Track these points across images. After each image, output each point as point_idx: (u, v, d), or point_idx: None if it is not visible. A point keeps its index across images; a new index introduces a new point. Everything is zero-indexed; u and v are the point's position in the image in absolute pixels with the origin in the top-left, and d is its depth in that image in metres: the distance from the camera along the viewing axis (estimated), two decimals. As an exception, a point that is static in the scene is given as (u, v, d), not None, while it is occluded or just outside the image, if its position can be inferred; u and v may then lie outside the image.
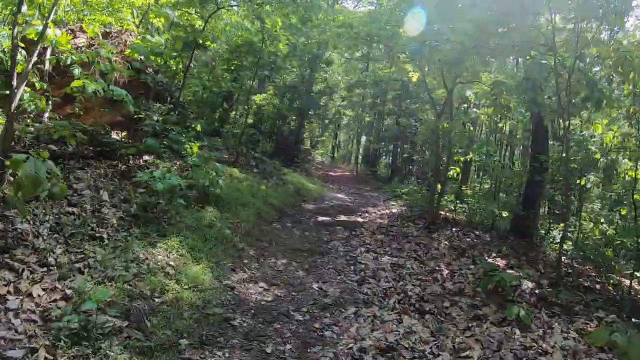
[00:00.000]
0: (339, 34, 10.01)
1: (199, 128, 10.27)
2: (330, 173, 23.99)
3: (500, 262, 7.59)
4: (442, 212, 10.59)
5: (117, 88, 5.07)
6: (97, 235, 4.67)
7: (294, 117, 19.21)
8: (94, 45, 8.98)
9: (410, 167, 24.27)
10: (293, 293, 5.29)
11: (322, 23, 11.24)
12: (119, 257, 4.45)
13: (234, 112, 19.77)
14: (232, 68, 12.58)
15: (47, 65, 6.41)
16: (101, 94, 5.27)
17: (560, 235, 12.78)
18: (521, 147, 19.23)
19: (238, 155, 11.88)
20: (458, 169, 15.19)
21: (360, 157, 29.84)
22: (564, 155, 8.03)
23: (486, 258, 7.49)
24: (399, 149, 24.58)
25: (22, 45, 5.23)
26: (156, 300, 4.13)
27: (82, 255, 4.26)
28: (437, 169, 9.91)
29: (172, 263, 4.87)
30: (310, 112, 18.57)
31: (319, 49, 18.48)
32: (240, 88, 14.80)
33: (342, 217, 9.71)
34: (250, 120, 20.49)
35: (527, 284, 5.93)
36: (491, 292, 5.65)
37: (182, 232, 5.62)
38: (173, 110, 9.40)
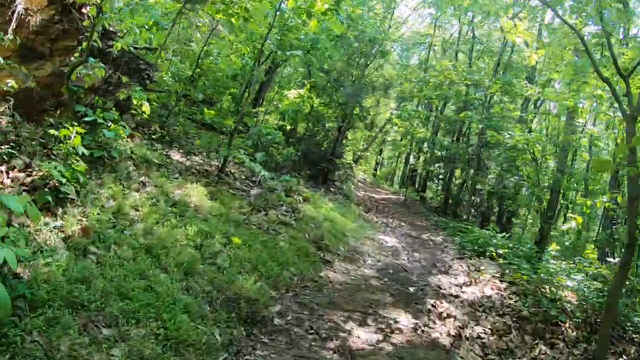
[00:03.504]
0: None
1: (146, 109, 5.61)
2: (374, 195, 19.13)
3: None
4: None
5: None
6: None
7: (333, 121, 14.34)
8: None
9: (473, 197, 19.48)
10: None
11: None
12: None
13: (260, 108, 15.20)
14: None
15: None
16: None
17: None
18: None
19: (224, 164, 7.05)
20: (580, 219, 9.80)
21: (407, 178, 24.84)
22: None
23: None
24: (454, 174, 19.72)
25: None
26: None
27: None
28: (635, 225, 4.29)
29: None
30: (356, 114, 13.56)
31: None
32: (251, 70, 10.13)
33: (402, 329, 4.40)
34: (282, 122, 15.88)
35: None
36: None
37: None
38: (81, 64, 4.79)
